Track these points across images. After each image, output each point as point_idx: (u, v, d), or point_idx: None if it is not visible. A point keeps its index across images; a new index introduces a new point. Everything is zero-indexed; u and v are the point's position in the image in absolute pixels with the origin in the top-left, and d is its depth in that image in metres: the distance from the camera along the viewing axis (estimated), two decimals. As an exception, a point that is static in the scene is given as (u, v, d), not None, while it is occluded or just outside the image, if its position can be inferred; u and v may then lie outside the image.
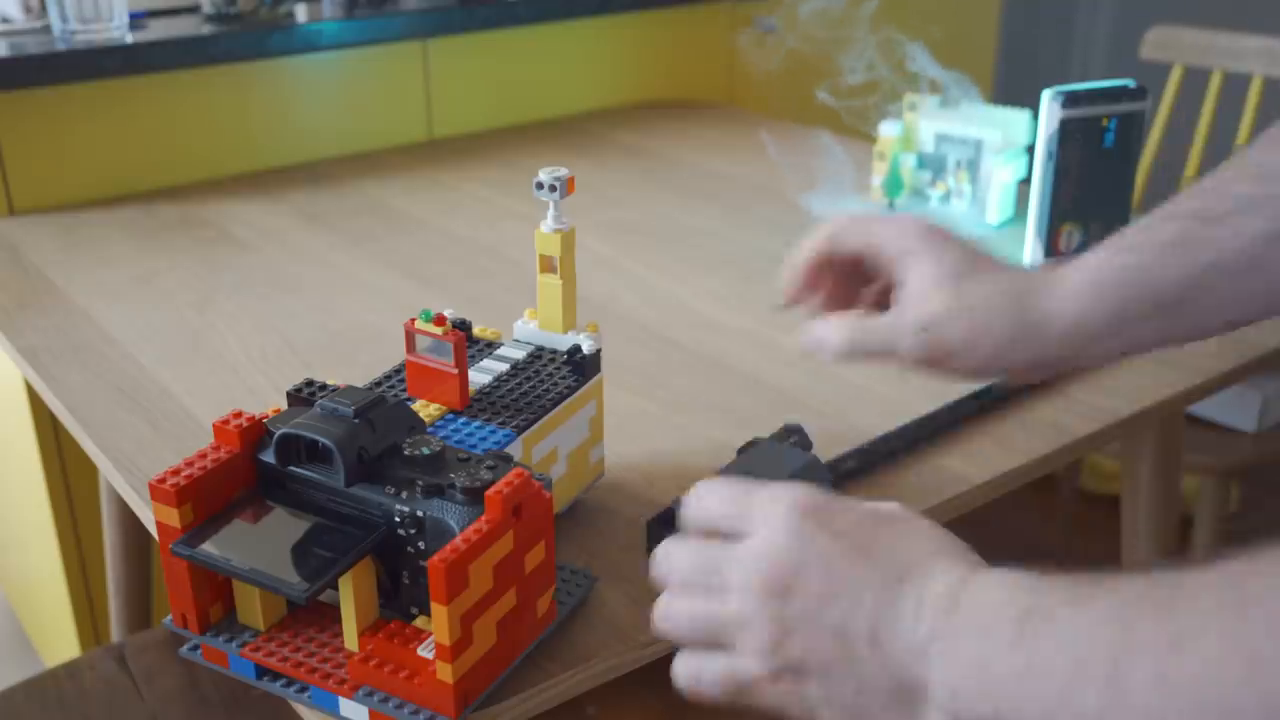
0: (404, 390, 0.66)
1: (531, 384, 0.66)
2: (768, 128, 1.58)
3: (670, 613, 0.50)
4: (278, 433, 0.57)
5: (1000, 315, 0.61)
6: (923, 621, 0.44)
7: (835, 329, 0.64)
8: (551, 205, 0.67)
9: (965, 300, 0.61)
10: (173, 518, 0.55)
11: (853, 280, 0.68)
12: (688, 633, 0.49)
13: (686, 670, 0.50)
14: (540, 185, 0.66)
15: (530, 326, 0.71)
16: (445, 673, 0.51)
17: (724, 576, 0.48)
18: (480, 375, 0.67)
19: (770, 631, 0.46)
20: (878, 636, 0.45)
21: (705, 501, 0.51)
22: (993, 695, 0.42)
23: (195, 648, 0.58)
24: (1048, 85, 1.01)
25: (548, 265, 0.68)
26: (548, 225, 0.68)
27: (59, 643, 1.51)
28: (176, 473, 0.55)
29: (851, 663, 0.45)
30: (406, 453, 0.56)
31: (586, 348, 0.67)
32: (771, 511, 0.48)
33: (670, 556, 0.51)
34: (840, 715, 0.47)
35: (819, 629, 0.46)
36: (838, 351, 0.63)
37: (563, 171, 0.66)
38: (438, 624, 0.50)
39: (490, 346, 0.70)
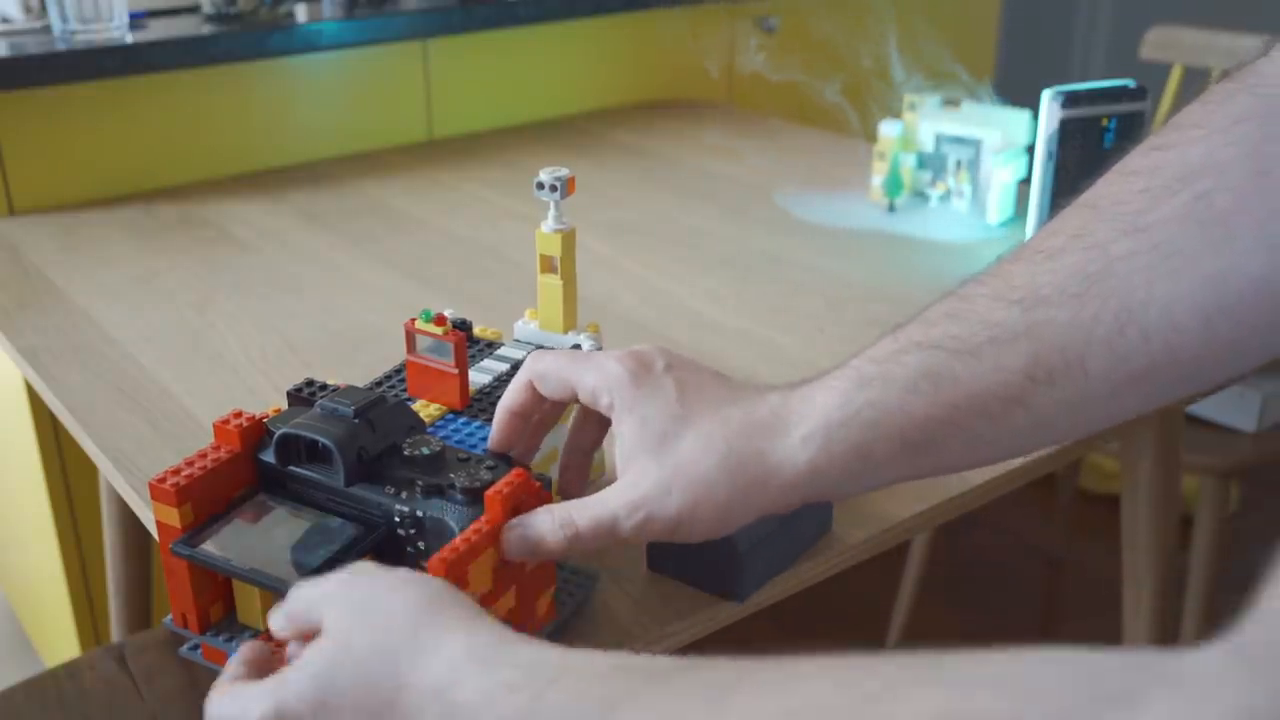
0: (404, 390, 0.66)
1: None
2: (767, 127, 1.58)
3: None
4: (277, 433, 0.57)
5: (716, 479, 0.51)
6: None
7: (549, 526, 0.53)
8: (552, 205, 0.67)
9: (675, 468, 0.52)
10: (173, 517, 0.55)
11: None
12: None
13: None
14: (541, 185, 0.66)
15: (531, 327, 0.71)
16: None
17: None
18: (480, 375, 0.67)
19: None
20: None
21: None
22: None
23: (195, 647, 0.58)
24: (1048, 85, 1.01)
25: (548, 265, 0.68)
26: (548, 225, 0.68)
27: (59, 643, 1.51)
28: (176, 472, 0.55)
29: None
30: (406, 453, 0.56)
31: (587, 348, 0.67)
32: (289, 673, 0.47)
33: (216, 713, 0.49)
34: None
35: None
36: (554, 551, 0.53)
37: (563, 171, 0.66)
38: None
39: (491, 346, 0.70)
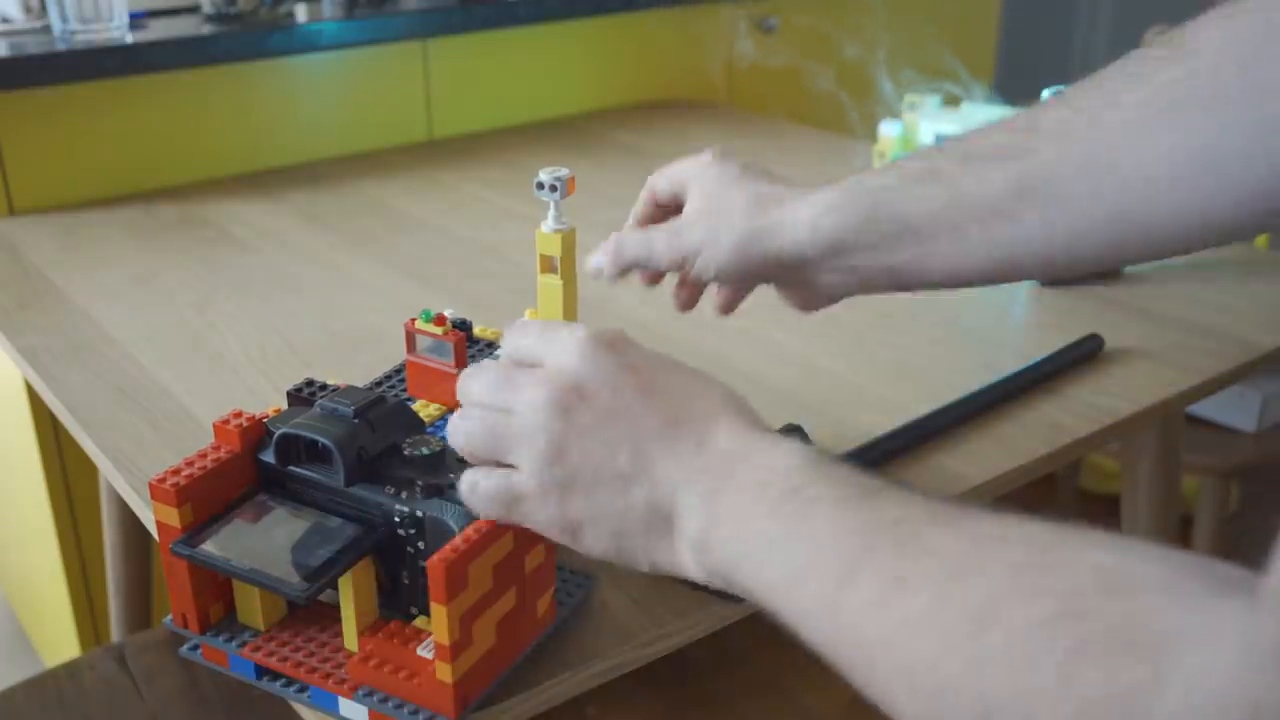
0: (404, 390, 0.66)
1: None
2: (767, 127, 1.58)
3: (459, 426, 0.51)
4: (277, 433, 0.57)
5: (737, 216, 0.63)
6: (699, 459, 0.47)
7: (603, 246, 0.67)
8: (552, 205, 0.67)
9: (711, 204, 0.65)
10: (172, 517, 0.55)
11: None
12: (473, 444, 0.50)
13: (465, 482, 0.51)
14: (541, 185, 0.66)
15: None
16: (445, 673, 0.51)
17: (515, 394, 0.50)
18: (480, 375, 0.67)
19: (547, 445, 0.48)
20: (651, 461, 0.48)
21: (515, 336, 0.53)
22: (739, 547, 0.45)
23: (195, 647, 0.58)
24: (1048, 85, 1.01)
25: (548, 265, 0.68)
26: (548, 225, 0.67)
27: (59, 643, 1.51)
28: (177, 473, 0.55)
29: (619, 482, 0.48)
30: (406, 453, 0.56)
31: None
32: (570, 338, 0.50)
33: (471, 377, 0.52)
34: (602, 534, 0.49)
35: (594, 446, 0.48)
36: (601, 264, 0.67)
37: (563, 171, 0.66)
38: (437, 624, 0.50)
39: (491, 346, 0.70)
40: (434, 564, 0.50)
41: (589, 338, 0.50)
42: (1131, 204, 0.57)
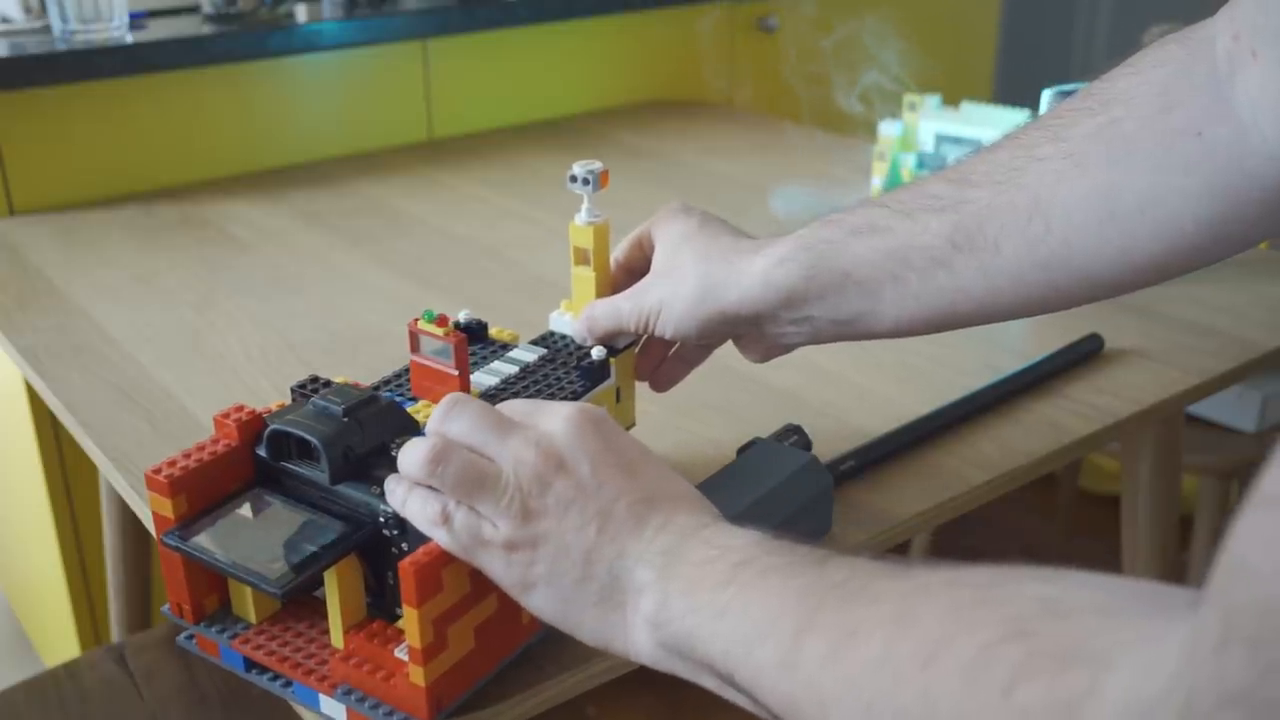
0: (409, 390, 0.66)
1: (539, 388, 0.65)
2: (767, 128, 1.58)
3: (447, 455, 0.51)
4: (267, 428, 0.57)
5: (691, 271, 0.64)
6: (659, 539, 0.49)
7: (580, 315, 0.68)
8: (585, 198, 0.68)
9: (670, 261, 0.66)
10: (166, 508, 0.55)
11: None
12: (451, 479, 0.50)
13: (434, 508, 0.51)
14: (574, 178, 0.67)
15: (566, 318, 0.71)
16: (418, 676, 0.51)
17: (501, 445, 0.51)
18: (487, 377, 0.66)
19: (521, 507, 0.50)
20: (616, 538, 0.49)
21: (505, 405, 0.55)
22: (694, 618, 0.47)
23: (191, 637, 0.59)
24: (1048, 85, 1.01)
25: (581, 258, 0.69)
26: (581, 218, 0.68)
27: (59, 643, 1.51)
28: (173, 464, 0.55)
29: (583, 555, 0.49)
30: (394, 453, 0.56)
31: (596, 353, 0.67)
32: (559, 411, 0.53)
33: (454, 414, 0.53)
34: (552, 599, 0.50)
35: (567, 517, 0.50)
36: (582, 337, 0.68)
37: (596, 165, 0.67)
38: (409, 627, 0.50)
39: (505, 348, 0.70)
40: (405, 567, 0.49)
41: (578, 410, 0.52)
42: (1059, 249, 0.58)
